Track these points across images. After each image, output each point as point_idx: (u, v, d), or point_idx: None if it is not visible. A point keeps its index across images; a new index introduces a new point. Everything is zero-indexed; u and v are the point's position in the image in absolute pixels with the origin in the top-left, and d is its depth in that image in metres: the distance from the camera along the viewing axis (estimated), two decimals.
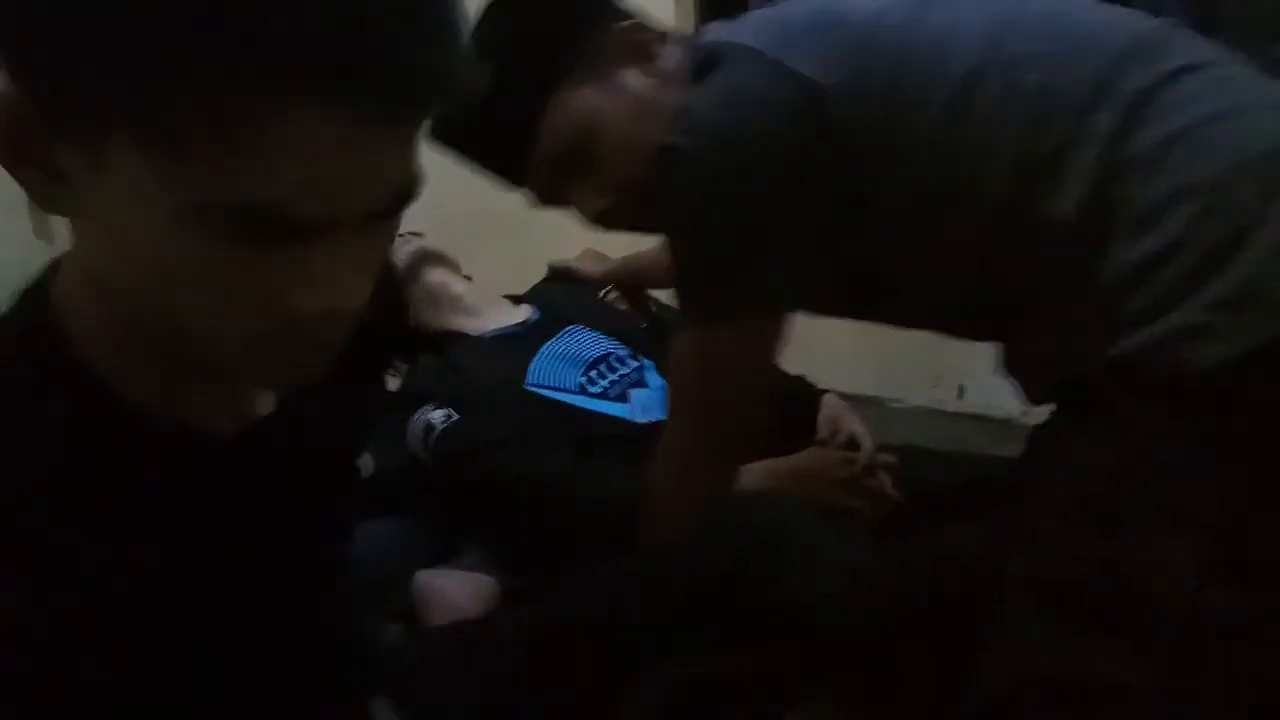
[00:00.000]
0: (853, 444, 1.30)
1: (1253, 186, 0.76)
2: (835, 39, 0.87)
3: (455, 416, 1.33)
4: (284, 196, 0.48)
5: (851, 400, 1.43)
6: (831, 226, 0.88)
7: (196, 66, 0.44)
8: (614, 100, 0.93)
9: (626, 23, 0.95)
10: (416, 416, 1.35)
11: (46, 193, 0.50)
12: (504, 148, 0.96)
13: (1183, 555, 0.76)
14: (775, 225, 0.87)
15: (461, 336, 1.46)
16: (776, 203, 0.86)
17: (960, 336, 1.00)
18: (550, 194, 0.99)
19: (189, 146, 0.46)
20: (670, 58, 0.95)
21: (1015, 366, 0.93)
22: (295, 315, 0.51)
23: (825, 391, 1.42)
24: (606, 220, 0.99)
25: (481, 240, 1.75)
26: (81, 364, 0.54)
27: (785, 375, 1.50)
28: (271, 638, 0.64)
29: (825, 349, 1.50)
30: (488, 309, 1.49)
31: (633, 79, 0.94)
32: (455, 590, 1.27)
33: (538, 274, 1.65)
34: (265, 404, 0.63)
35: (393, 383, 1.54)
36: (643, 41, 0.95)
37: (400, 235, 1.56)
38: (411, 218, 1.71)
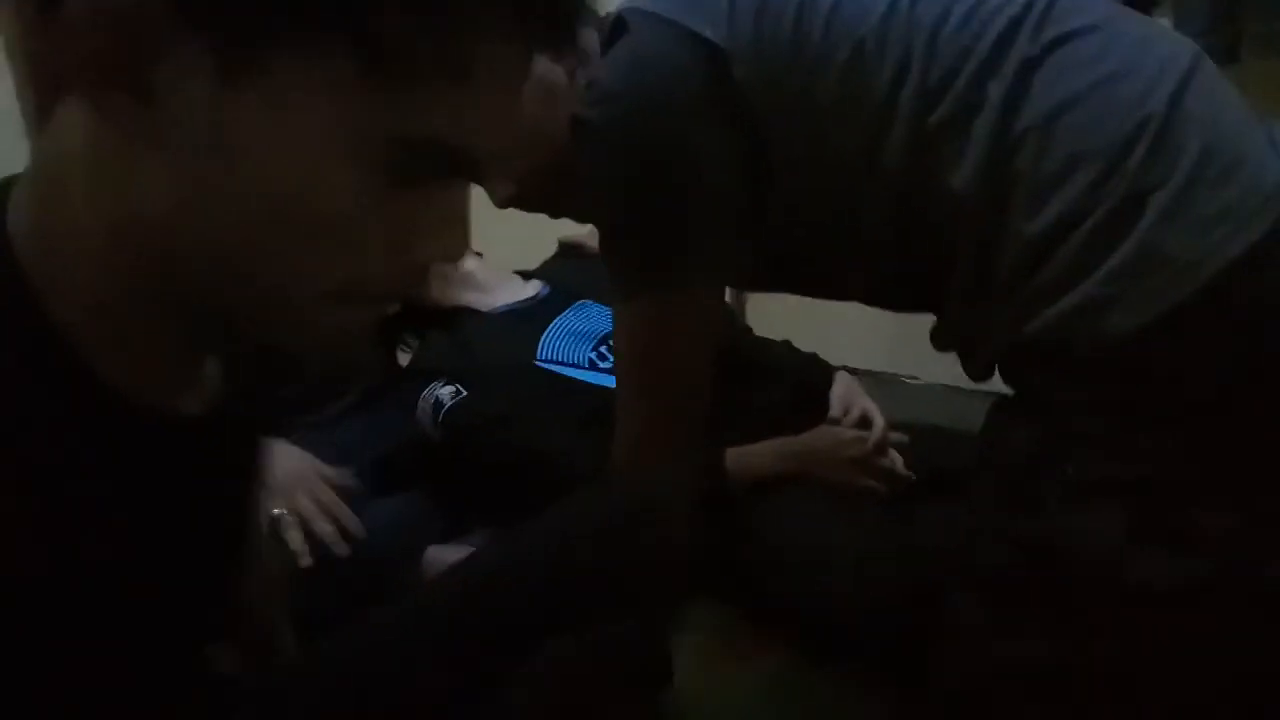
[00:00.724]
0: (865, 422, 1.29)
1: (1144, 149, 0.74)
2: (735, 0, 0.85)
3: (464, 393, 1.32)
4: (470, 130, 0.45)
5: (866, 376, 1.41)
6: (748, 194, 0.86)
7: None
8: None
9: None
10: (426, 393, 1.35)
11: (119, 122, 0.44)
12: None
13: (1107, 527, 0.75)
14: (690, 191, 0.85)
15: (471, 313, 1.45)
16: (687, 168, 0.84)
17: (896, 310, 0.98)
18: None
19: (405, 67, 0.42)
20: (586, 37, 0.93)
21: (945, 343, 0.91)
22: (411, 265, 0.48)
23: (838, 368, 1.40)
24: (520, 204, 0.98)
25: (490, 214, 1.74)
26: (48, 322, 0.47)
27: (797, 352, 1.48)
28: (197, 622, 0.61)
29: (839, 323, 1.48)
30: (497, 285, 1.48)
31: (540, 66, 0.91)
32: None
33: (548, 250, 1.64)
34: (216, 384, 0.58)
35: (402, 359, 1.54)
36: None
37: None
38: None
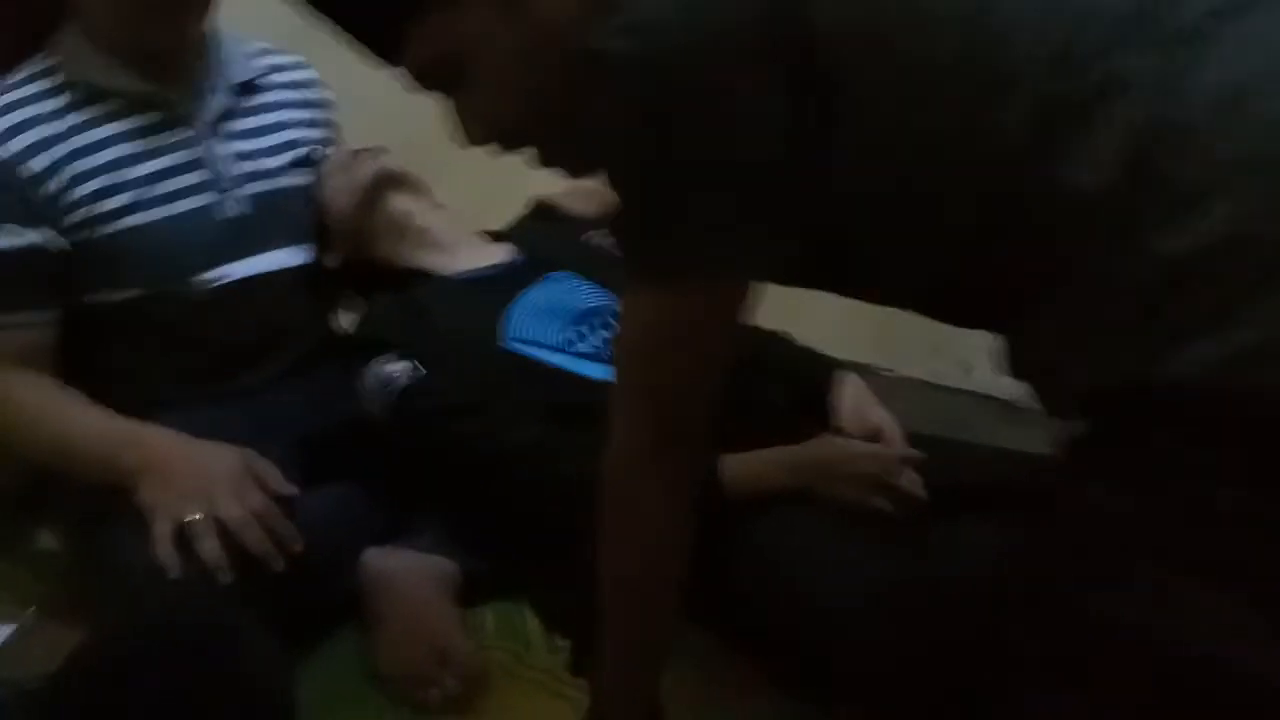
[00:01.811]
0: (877, 433, 1.14)
1: None
2: None
3: (421, 371, 1.14)
4: None
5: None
6: (802, 165, 0.70)
7: None
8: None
9: None
10: (373, 366, 1.16)
11: None
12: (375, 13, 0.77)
13: (1232, 622, 0.62)
14: (731, 155, 0.68)
15: (429, 276, 1.25)
16: (731, 126, 0.68)
17: (958, 324, 0.83)
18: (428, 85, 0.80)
19: None
20: None
21: (1023, 371, 0.77)
22: None
23: (839, 366, 1.25)
24: (502, 140, 0.81)
25: (449, 162, 1.53)
26: None
27: (793, 345, 1.33)
28: None
29: (809, 306, 1.31)
30: (460, 246, 1.29)
31: None
32: (410, 575, 1.10)
33: (515, 205, 1.44)
34: None
35: (347, 323, 1.34)
36: None
37: (363, 149, 1.36)
38: (365, 132, 1.45)
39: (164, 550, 0.96)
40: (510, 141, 0.81)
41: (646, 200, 0.71)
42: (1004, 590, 0.82)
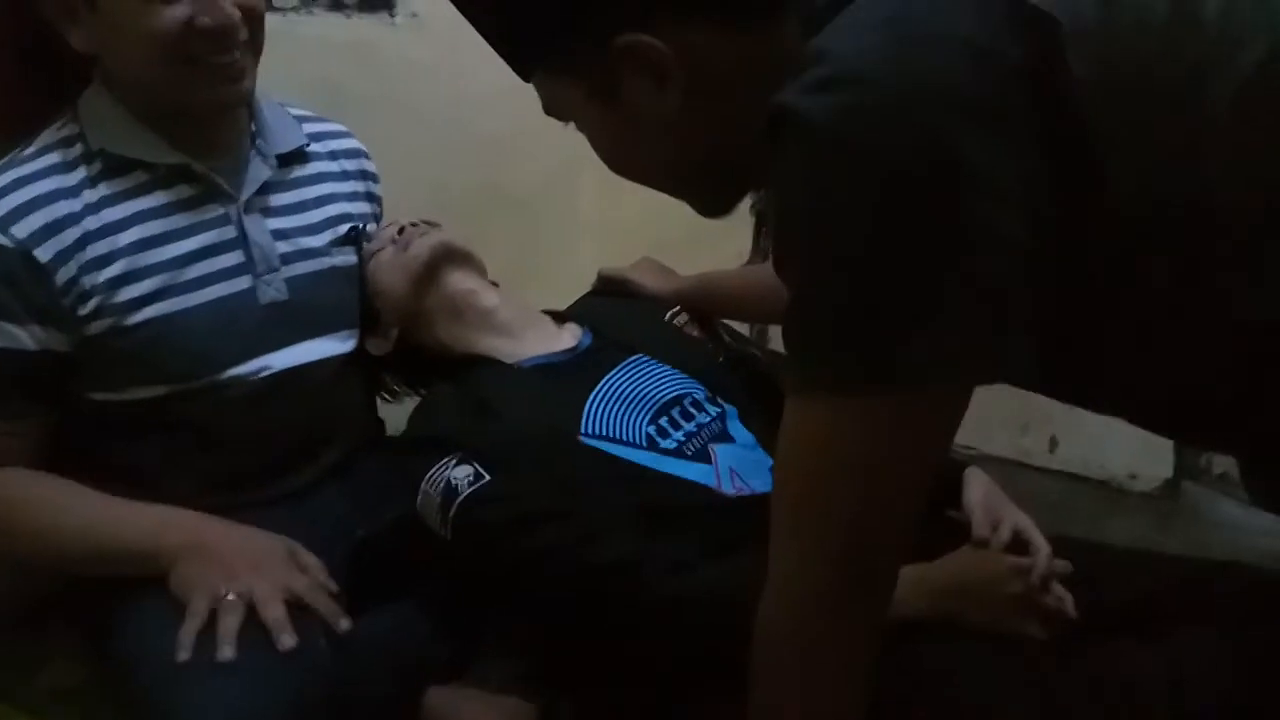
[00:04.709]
0: (1018, 542, 0.99)
1: None
2: None
3: (486, 477, 0.98)
4: None
5: None
6: (1048, 247, 0.56)
7: None
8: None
9: None
10: (433, 472, 1.01)
11: None
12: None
13: None
14: (963, 236, 0.54)
15: (492, 364, 1.11)
16: (974, 204, 0.54)
17: (1212, 449, 0.69)
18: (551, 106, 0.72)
19: None
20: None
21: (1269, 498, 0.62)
22: None
23: (968, 463, 1.10)
24: (636, 173, 0.73)
25: (489, 222, 1.41)
26: None
27: None
28: None
29: None
30: (527, 329, 1.14)
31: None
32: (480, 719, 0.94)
33: (555, 269, 1.30)
34: None
35: (396, 416, 1.19)
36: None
37: (413, 224, 1.22)
38: (400, 192, 1.33)
39: (190, 629, 0.86)
40: (659, 185, 0.73)
41: (865, 287, 0.56)
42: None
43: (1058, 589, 0.96)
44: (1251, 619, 0.89)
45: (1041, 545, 0.98)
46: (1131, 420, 0.66)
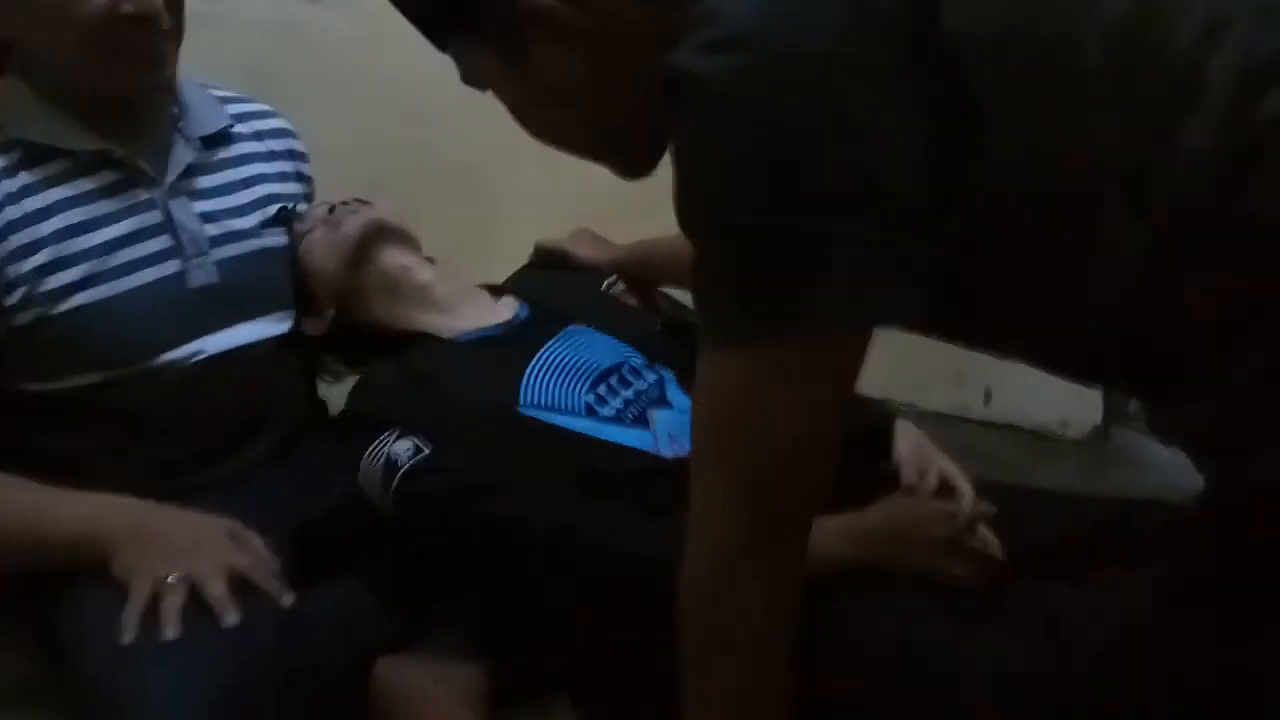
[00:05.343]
0: (945, 488, 1.03)
1: None
2: None
3: (426, 450, 1.00)
4: None
5: None
6: (933, 194, 0.59)
7: None
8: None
9: None
10: (373, 448, 1.02)
11: None
12: None
13: None
14: (850, 184, 0.57)
15: (429, 340, 1.12)
16: (861, 158, 0.57)
17: (1111, 389, 0.72)
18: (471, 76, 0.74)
19: None
20: None
21: (1170, 431, 0.65)
22: None
23: (898, 413, 1.13)
24: (553, 138, 0.75)
25: (422, 210, 1.41)
26: None
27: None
28: None
29: None
30: (463, 303, 1.15)
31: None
32: (430, 687, 0.95)
33: (493, 242, 1.31)
34: None
35: (337, 396, 1.20)
36: None
37: (344, 203, 1.22)
38: (332, 182, 1.33)
39: (133, 613, 0.86)
40: (575, 150, 0.75)
41: (764, 242, 0.58)
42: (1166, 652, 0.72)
43: (984, 531, 1.00)
44: (1171, 553, 0.94)
45: (966, 490, 1.02)
46: (1031, 363, 0.69)
